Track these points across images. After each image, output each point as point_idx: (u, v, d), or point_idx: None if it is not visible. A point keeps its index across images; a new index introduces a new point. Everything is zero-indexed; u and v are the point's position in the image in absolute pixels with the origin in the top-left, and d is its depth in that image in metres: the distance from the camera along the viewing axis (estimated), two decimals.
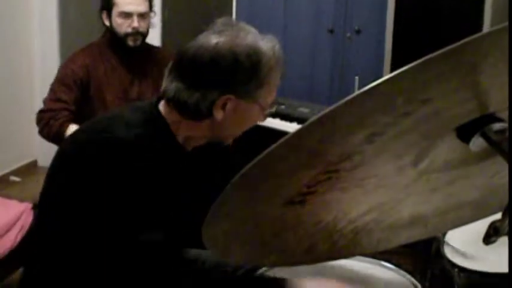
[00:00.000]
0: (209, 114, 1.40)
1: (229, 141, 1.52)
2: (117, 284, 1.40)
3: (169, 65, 1.45)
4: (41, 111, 2.81)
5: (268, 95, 1.43)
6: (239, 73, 1.37)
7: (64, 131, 2.65)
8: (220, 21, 1.43)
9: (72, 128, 2.62)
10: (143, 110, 1.48)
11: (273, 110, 1.49)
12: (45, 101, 2.84)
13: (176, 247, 1.54)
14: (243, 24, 1.44)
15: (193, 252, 1.62)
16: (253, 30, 1.43)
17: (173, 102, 1.42)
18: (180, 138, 1.47)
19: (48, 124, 2.72)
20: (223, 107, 1.39)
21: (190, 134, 1.46)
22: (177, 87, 1.40)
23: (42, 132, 2.79)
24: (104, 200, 1.34)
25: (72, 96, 2.77)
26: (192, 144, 1.50)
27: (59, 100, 2.76)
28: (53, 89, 2.82)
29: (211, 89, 1.37)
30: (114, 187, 1.34)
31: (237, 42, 1.37)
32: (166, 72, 1.45)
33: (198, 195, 1.63)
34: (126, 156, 1.34)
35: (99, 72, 2.83)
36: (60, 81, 2.81)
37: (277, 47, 1.43)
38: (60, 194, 1.41)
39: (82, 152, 1.38)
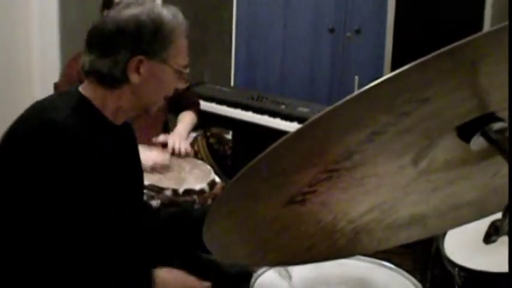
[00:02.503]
0: (125, 79, 1.47)
1: (154, 109, 1.60)
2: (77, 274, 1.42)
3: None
4: None
5: (177, 56, 1.53)
6: (143, 33, 1.47)
7: None
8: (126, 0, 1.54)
9: None
10: (68, 94, 1.55)
11: (187, 71, 1.57)
12: None
13: (127, 222, 1.57)
14: (149, 0, 1.56)
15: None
16: (157, 4, 1.55)
17: (91, 75, 1.50)
18: (109, 114, 1.52)
19: None
20: (137, 70, 1.47)
21: (116, 105, 1.51)
22: (90, 59, 1.49)
23: None
24: (47, 185, 1.37)
25: None
26: (122, 118, 1.56)
27: None
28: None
29: (120, 52, 1.46)
30: (55, 171, 1.37)
31: (139, 9, 1.49)
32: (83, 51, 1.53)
33: (132, 169, 1.68)
34: (62, 137, 1.38)
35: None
36: (67, 82, 2.80)
37: (178, 14, 1.54)
38: (2, 187, 1.43)
39: (17, 139, 1.43)
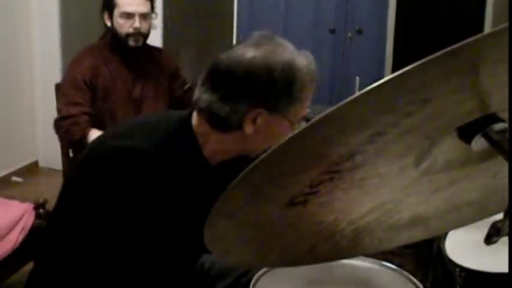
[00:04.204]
0: (239, 127, 1.38)
1: (256, 154, 1.48)
2: None
3: (203, 74, 1.42)
4: (59, 119, 2.79)
5: (300, 111, 1.40)
6: (272, 88, 1.34)
7: (86, 136, 2.64)
8: (258, 34, 1.41)
9: (94, 133, 2.63)
10: (173, 119, 1.46)
11: (303, 123, 1.43)
12: (60, 109, 2.82)
13: (189, 258, 1.53)
14: (280, 39, 1.42)
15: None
16: (290, 45, 1.41)
17: (204, 114, 1.40)
18: (207, 151, 1.44)
19: (69, 131, 2.70)
20: (254, 121, 1.37)
21: (218, 147, 1.44)
22: (209, 99, 1.38)
23: (63, 140, 2.78)
24: (117, 208, 1.33)
25: (87, 98, 2.77)
26: (219, 157, 1.47)
27: (75, 104, 2.75)
28: (66, 95, 2.80)
29: (243, 102, 1.35)
30: (126, 195, 1.33)
31: (273, 57, 1.35)
32: (199, 81, 1.42)
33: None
34: (141, 166, 1.33)
35: (104, 73, 2.84)
36: (71, 85, 2.80)
37: (312, 64, 1.42)
38: (77, 200, 1.40)
39: (100, 159, 1.38)
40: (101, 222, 1.34)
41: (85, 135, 2.65)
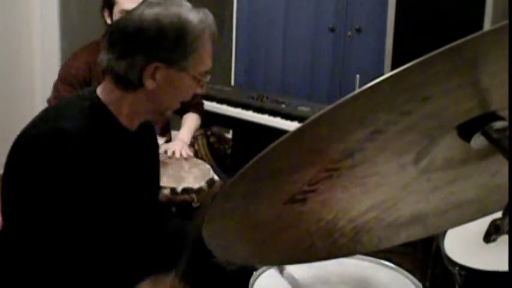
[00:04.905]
0: (141, 83, 1.43)
1: (169, 113, 1.57)
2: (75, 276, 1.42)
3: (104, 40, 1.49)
4: None
5: (199, 64, 1.46)
6: (163, 40, 1.41)
7: None
8: None
9: None
10: (85, 97, 1.51)
11: (207, 79, 1.51)
12: (49, 100, 2.86)
13: (132, 230, 1.56)
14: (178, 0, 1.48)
15: None
16: (186, 4, 1.46)
17: (107, 74, 1.47)
18: (123, 118, 1.49)
19: None
20: (153, 76, 1.42)
21: (131, 109, 1.49)
22: (108, 58, 1.45)
23: None
24: (52, 193, 1.36)
25: None
26: (137, 121, 1.52)
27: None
28: (56, 88, 2.84)
29: (137, 57, 1.41)
30: (59, 180, 1.36)
31: (163, 11, 1.42)
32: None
33: (148, 173, 1.66)
34: (69, 147, 1.36)
35: (98, 70, 2.84)
36: (63, 80, 2.83)
37: (207, 18, 1.47)
38: (11, 189, 1.43)
39: (26, 146, 1.41)
40: (50, 212, 1.36)
41: None
